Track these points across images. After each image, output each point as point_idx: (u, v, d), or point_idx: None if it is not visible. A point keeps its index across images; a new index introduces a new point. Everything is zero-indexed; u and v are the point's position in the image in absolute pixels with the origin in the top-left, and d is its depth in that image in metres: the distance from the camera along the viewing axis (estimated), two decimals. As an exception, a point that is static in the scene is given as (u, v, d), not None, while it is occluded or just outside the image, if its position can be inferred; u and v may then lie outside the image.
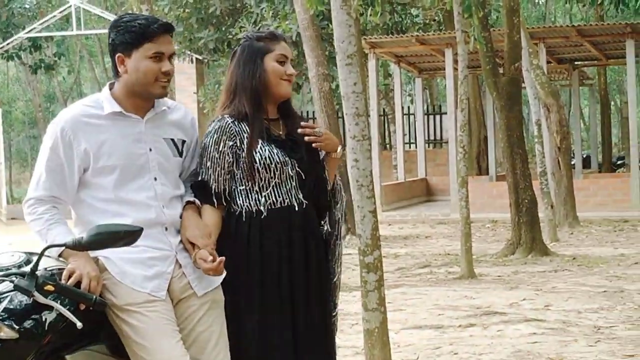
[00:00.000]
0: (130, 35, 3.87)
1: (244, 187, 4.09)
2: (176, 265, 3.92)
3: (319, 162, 4.22)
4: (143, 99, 3.95)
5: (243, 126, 4.09)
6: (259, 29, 20.27)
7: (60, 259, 3.77)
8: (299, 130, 4.12)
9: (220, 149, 4.06)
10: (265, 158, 4.05)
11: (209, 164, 4.07)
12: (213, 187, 4.06)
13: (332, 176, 4.27)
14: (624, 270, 12.21)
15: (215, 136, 4.07)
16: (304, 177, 4.14)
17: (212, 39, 22.06)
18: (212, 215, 4.07)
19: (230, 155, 4.07)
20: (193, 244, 3.94)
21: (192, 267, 3.93)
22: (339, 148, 4.22)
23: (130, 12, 19.88)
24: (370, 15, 16.00)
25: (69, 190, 3.92)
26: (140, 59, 3.88)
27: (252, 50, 4.16)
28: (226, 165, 4.07)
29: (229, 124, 4.09)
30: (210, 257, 3.87)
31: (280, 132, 4.17)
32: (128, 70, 3.89)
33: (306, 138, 4.11)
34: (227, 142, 4.07)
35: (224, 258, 3.88)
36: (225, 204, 4.09)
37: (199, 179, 4.09)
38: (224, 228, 4.09)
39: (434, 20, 24.42)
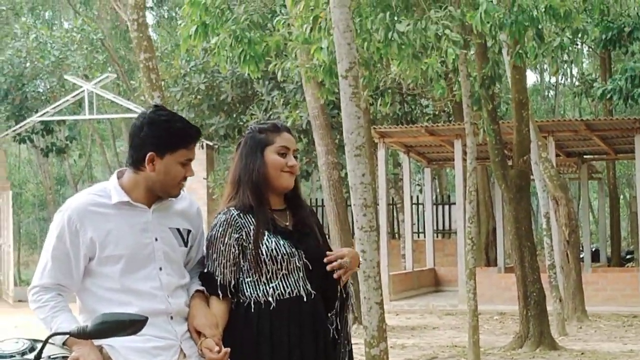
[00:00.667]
0: (169, 138, 3.88)
1: (251, 278, 4.08)
2: (180, 355, 3.90)
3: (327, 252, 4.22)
4: (155, 193, 3.96)
5: (249, 218, 4.09)
6: (269, 117, 20.47)
7: (65, 347, 3.75)
8: (327, 267, 4.10)
9: (225, 242, 4.06)
10: (272, 250, 4.05)
11: (214, 256, 4.07)
12: (219, 279, 4.05)
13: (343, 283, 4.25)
14: (633, 366, 12.09)
15: (220, 229, 4.07)
16: (311, 268, 4.13)
17: (222, 126, 22.22)
18: (218, 307, 4.05)
19: (236, 248, 4.07)
20: (199, 333, 3.92)
21: (197, 357, 3.91)
22: (360, 263, 4.24)
23: (140, 103, 20.13)
24: (380, 105, 16.14)
25: (75, 279, 3.92)
26: (172, 163, 3.90)
27: (254, 142, 4.18)
28: (232, 258, 4.07)
29: (235, 216, 4.09)
30: (217, 348, 3.85)
31: (287, 223, 4.16)
32: (156, 170, 3.90)
33: (328, 266, 4.09)
34: (232, 234, 4.07)
35: (229, 349, 3.86)
36: (231, 296, 4.08)
37: (206, 270, 4.09)
38: (233, 318, 4.07)
39: (444, 111, 24.59)
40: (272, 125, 4.22)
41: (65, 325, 3.76)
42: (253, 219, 4.09)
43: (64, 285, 3.91)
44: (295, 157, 4.19)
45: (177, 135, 3.89)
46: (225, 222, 4.08)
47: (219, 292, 4.05)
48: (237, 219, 4.08)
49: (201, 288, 4.06)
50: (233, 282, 4.07)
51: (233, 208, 4.12)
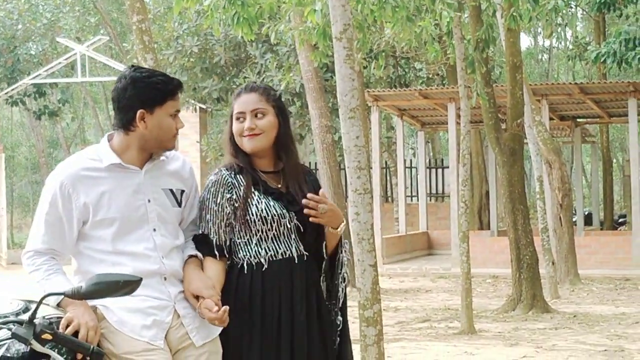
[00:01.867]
0: (155, 92, 3.89)
1: (242, 239, 4.10)
2: (174, 315, 3.92)
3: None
4: (148, 152, 3.96)
5: (239, 178, 4.11)
6: (262, 80, 20.41)
7: (59, 307, 3.76)
8: (303, 202, 4.06)
9: (218, 202, 4.08)
10: (262, 210, 4.06)
11: (208, 217, 4.09)
12: (214, 239, 4.07)
13: (331, 249, 4.23)
14: (625, 329, 12.15)
15: (212, 189, 4.09)
16: (302, 230, 4.13)
17: (216, 89, 22.17)
18: (214, 268, 4.06)
19: (229, 208, 4.08)
20: (197, 298, 3.93)
21: (191, 318, 3.93)
22: (342, 225, 4.17)
23: (135, 63, 19.99)
24: (374, 68, 16.10)
25: (68, 243, 3.93)
26: (163, 116, 3.92)
27: (230, 106, 4.25)
28: (225, 218, 4.08)
29: (225, 176, 4.11)
30: (216, 307, 3.86)
31: (279, 185, 4.16)
32: (148, 126, 3.91)
33: (305, 211, 4.05)
34: (224, 194, 4.08)
35: (227, 307, 3.87)
36: (227, 256, 4.09)
37: (200, 232, 4.09)
38: (226, 280, 4.08)
39: (437, 74, 24.56)
40: (239, 89, 4.24)
41: (59, 286, 3.78)
42: (243, 179, 4.09)
43: (57, 249, 3.92)
44: (258, 116, 4.12)
45: (162, 88, 3.91)
46: (216, 183, 4.10)
47: (216, 252, 4.06)
48: (227, 179, 4.10)
49: (194, 253, 4.06)
50: (228, 242, 4.08)
51: (224, 168, 4.15)
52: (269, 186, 4.13)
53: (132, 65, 4.10)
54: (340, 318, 4.24)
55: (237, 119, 4.14)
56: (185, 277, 3.99)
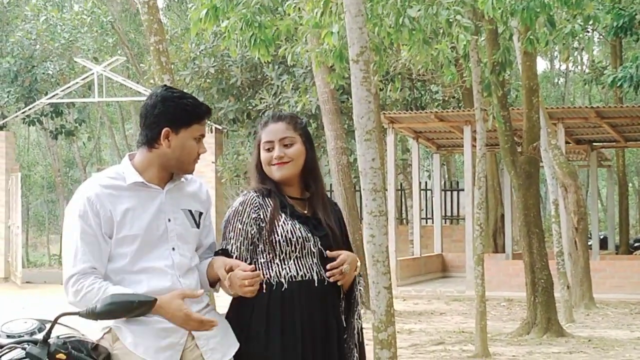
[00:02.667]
0: (183, 113, 3.92)
1: (265, 259, 4.12)
2: (189, 337, 3.91)
3: (343, 244, 4.25)
4: (168, 172, 3.98)
5: (267, 200, 4.14)
6: (278, 101, 20.47)
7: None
8: (327, 274, 4.12)
9: (243, 220, 4.11)
10: (287, 231, 4.09)
11: (231, 234, 4.12)
12: (234, 255, 4.10)
13: (347, 286, 4.24)
14: (640, 354, 12.09)
15: (239, 208, 4.14)
16: (325, 256, 4.15)
17: (232, 110, 22.22)
18: None
19: (254, 227, 4.11)
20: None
21: (206, 339, 3.93)
22: (358, 264, 4.22)
23: (150, 86, 20.09)
24: (390, 90, 16.12)
25: (104, 260, 3.89)
26: (187, 138, 3.94)
27: (258, 134, 4.28)
28: (249, 237, 4.11)
29: (254, 197, 4.15)
30: (249, 266, 3.98)
31: (306, 211, 4.21)
32: (172, 145, 3.92)
33: (328, 272, 4.12)
34: (251, 214, 4.12)
35: (259, 273, 3.98)
36: None
37: (221, 248, 4.14)
38: (244, 299, 4.08)
39: (454, 97, 24.56)
40: (265, 118, 4.27)
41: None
42: (271, 202, 4.13)
43: (99, 268, 3.85)
44: (287, 145, 4.17)
45: (191, 110, 3.94)
46: (244, 202, 4.15)
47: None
48: (255, 200, 4.14)
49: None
50: (248, 261, 4.09)
51: (252, 190, 4.19)
52: (295, 210, 4.18)
53: (164, 85, 4.15)
54: (356, 355, 4.23)
55: (266, 148, 4.18)
56: (210, 264, 4.06)
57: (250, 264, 4.09)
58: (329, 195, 4.49)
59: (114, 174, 3.98)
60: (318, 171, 4.29)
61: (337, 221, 4.28)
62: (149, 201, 3.95)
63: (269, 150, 4.16)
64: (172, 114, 3.91)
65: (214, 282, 4.11)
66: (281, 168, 4.15)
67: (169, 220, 3.98)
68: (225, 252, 4.12)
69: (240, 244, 4.11)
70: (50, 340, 3.54)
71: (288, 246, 4.09)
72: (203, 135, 4.01)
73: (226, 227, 4.14)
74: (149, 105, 3.96)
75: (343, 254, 4.15)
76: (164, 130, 3.91)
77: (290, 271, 4.10)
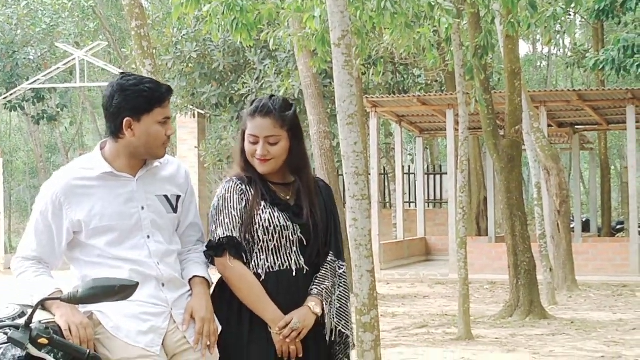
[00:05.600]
0: (142, 99, 3.88)
1: (247, 247, 4.09)
2: (170, 321, 3.92)
3: (327, 231, 4.20)
4: (140, 159, 3.96)
5: (249, 188, 4.12)
6: (261, 85, 20.42)
7: (44, 309, 3.76)
8: (276, 331, 4.03)
9: (235, 206, 4.08)
10: (265, 220, 4.06)
11: (227, 220, 4.07)
12: (239, 238, 4.06)
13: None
14: (622, 335, 12.15)
15: (227, 195, 4.10)
16: (305, 244, 4.13)
17: (214, 94, 22.16)
18: (243, 268, 4.07)
19: (243, 214, 4.08)
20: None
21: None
22: (318, 313, 4.11)
23: (132, 71, 20.03)
24: (373, 74, 16.10)
25: (56, 252, 3.95)
26: (150, 124, 3.91)
27: (242, 119, 4.21)
28: (241, 222, 4.07)
29: (237, 184, 4.12)
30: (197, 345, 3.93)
31: (288, 197, 4.16)
32: (136, 134, 3.90)
33: (281, 335, 4.01)
34: (239, 201, 4.10)
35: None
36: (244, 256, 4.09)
37: (218, 237, 4.07)
38: (223, 288, 4.09)
39: (436, 81, 24.57)
40: (253, 107, 4.17)
41: (47, 285, 3.81)
42: (252, 190, 4.11)
43: (45, 258, 3.95)
44: (271, 143, 4.10)
45: (149, 95, 3.89)
46: (230, 189, 4.12)
47: (242, 255, 4.07)
48: (240, 187, 4.12)
49: (202, 275, 4.04)
50: (250, 244, 4.09)
51: (235, 178, 4.16)
52: (276, 197, 4.14)
53: (122, 73, 4.11)
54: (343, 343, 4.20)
55: (250, 141, 4.12)
56: (193, 302, 3.98)
57: (246, 249, 4.08)
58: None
59: (85, 163, 3.99)
60: (305, 160, 4.22)
61: (325, 208, 4.21)
62: (120, 191, 3.94)
63: (253, 143, 4.11)
64: (131, 103, 3.88)
65: None
66: (263, 164, 4.11)
67: (142, 208, 3.96)
68: (231, 240, 4.06)
69: (239, 231, 4.08)
70: (32, 325, 3.54)
71: (265, 235, 4.06)
72: (168, 118, 3.97)
73: (219, 215, 4.09)
74: (107, 96, 3.93)
75: (288, 316, 4.04)
76: (125, 120, 3.89)
77: (267, 261, 4.08)
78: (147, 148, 3.93)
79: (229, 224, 4.08)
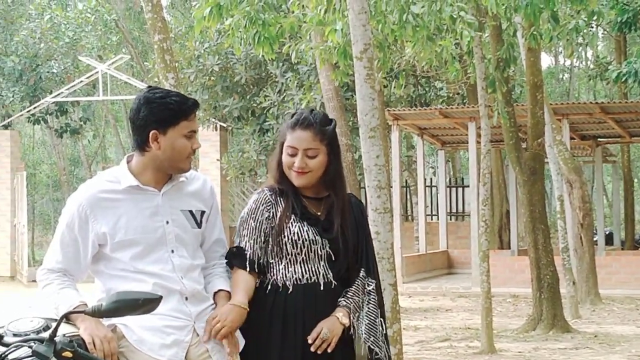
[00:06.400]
0: (168, 112, 3.89)
1: (273, 260, 4.11)
2: (194, 335, 3.93)
3: (358, 247, 4.19)
4: (165, 173, 3.97)
5: (280, 200, 4.12)
6: (283, 98, 20.44)
7: (69, 322, 3.77)
8: (312, 348, 4.03)
9: (257, 218, 4.11)
10: (294, 233, 4.07)
11: (245, 232, 4.12)
12: (248, 253, 4.09)
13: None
14: (646, 349, 12.08)
15: (253, 206, 4.14)
16: (334, 259, 4.13)
17: (236, 107, 22.19)
18: (243, 278, 4.07)
19: (267, 226, 4.11)
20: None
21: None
22: (345, 324, 4.10)
23: (154, 84, 20.08)
24: (394, 87, 16.10)
25: (82, 265, 3.97)
26: (176, 137, 3.91)
27: (280, 133, 4.21)
28: (263, 235, 4.10)
29: (267, 196, 4.14)
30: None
31: (319, 212, 4.17)
32: (162, 146, 3.91)
33: (312, 347, 4.02)
34: (264, 212, 4.12)
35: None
36: (258, 272, 4.10)
37: (235, 246, 4.12)
38: (251, 300, 4.09)
39: (458, 93, 24.52)
40: (294, 119, 4.17)
41: (71, 299, 3.82)
42: (283, 202, 4.12)
43: (70, 271, 3.96)
44: (310, 156, 4.10)
45: (175, 108, 3.90)
46: (257, 201, 4.14)
47: (247, 265, 4.09)
48: (269, 199, 4.13)
49: (225, 289, 4.06)
50: (262, 260, 4.09)
51: (267, 189, 4.18)
52: (307, 211, 4.15)
53: (149, 86, 4.13)
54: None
55: (289, 152, 4.12)
56: (215, 312, 4.00)
57: (263, 262, 4.10)
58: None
59: (111, 177, 4.00)
60: (341, 176, 4.22)
61: (356, 224, 4.21)
62: (145, 205, 3.95)
63: (291, 155, 4.11)
64: (156, 115, 3.89)
65: None
66: (300, 177, 4.11)
67: (167, 222, 3.97)
68: (240, 250, 4.11)
69: (254, 242, 4.11)
70: (57, 339, 3.55)
71: (294, 248, 4.08)
72: (194, 131, 3.97)
73: (241, 226, 4.14)
74: (134, 109, 3.94)
75: (318, 326, 4.05)
76: (151, 133, 3.90)
77: (295, 274, 4.09)
78: (172, 161, 3.94)
79: (245, 235, 4.12)
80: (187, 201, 4.05)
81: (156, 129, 3.90)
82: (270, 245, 4.11)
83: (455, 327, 14.87)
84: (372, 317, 4.19)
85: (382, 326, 4.22)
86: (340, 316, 4.08)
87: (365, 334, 4.14)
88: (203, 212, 4.08)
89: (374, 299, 4.21)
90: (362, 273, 4.19)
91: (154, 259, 3.93)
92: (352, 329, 4.13)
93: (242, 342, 4.02)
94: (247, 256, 4.09)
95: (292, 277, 4.08)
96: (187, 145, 3.95)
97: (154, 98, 3.91)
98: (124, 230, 3.91)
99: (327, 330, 4.03)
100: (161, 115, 3.89)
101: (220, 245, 4.18)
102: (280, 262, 4.10)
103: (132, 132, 3.97)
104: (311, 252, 4.09)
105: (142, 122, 3.91)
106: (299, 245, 4.08)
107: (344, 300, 4.12)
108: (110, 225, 3.90)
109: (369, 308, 4.19)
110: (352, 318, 4.12)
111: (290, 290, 4.09)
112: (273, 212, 4.11)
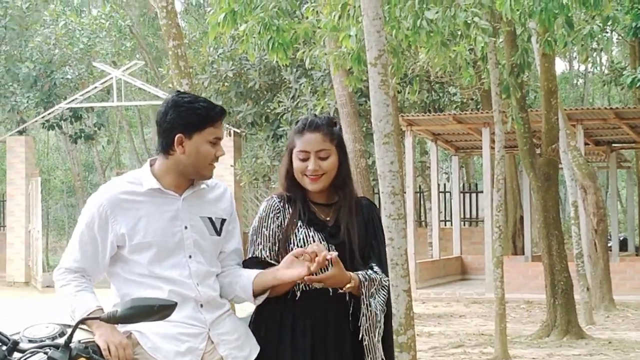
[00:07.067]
0: (195, 117, 3.90)
1: None
2: (208, 342, 3.93)
3: (366, 251, 4.16)
4: (187, 178, 3.98)
5: (287, 207, 4.13)
6: (296, 104, 20.47)
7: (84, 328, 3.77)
8: (305, 279, 3.95)
9: (269, 226, 4.12)
10: (300, 240, 4.07)
11: (259, 240, 4.12)
12: (266, 259, 4.09)
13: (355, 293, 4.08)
14: (661, 355, 12.04)
15: (263, 214, 4.14)
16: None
17: (250, 113, 22.23)
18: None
19: (278, 232, 4.11)
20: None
21: (225, 344, 3.94)
22: (348, 285, 4.00)
23: (169, 90, 20.19)
24: (408, 93, 16.10)
25: (100, 265, 3.97)
26: (201, 143, 3.92)
27: (289, 140, 4.20)
28: (276, 242, 4.10)
29: (276, 203, 4.14)
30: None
31: (328, 218, 4.16)
32: (186, 151, 3.92)
33: (306, 278, 3.94)
34: (274, 219, 4.12)
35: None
36: None
37: (249, 256, 4.13)
38: (259, 307, 4.09)
39: (472, 99, 24.50)
40: (300, 124, 4.18)
41: (88, 303, 3.82)
42: (290, 209, 4.12)
43: (88, 270, 3.96)
44: (322, 158, 4.09)
45: (203, 114, 3.92)
46: (268, 208, 4.14)
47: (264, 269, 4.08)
48: (277, 206, 4.14)
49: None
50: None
51: (275, 196, 4.18)
52: (315, 217, 4.14)
53: (178, 91, 4.15)
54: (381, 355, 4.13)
55: (300, 157, 4.11)
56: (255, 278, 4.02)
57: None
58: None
59: (133, 178, 4.01)
60: (349, 179, 4.21)
61: (365, 226, 4.18)
62: (165, 208, 3.96)
63: (303, 160, 4.10)
64: (184, 120, 3.90)
65: (259, 293, 4.06)
66: (315, 182, 4.10)
67: (186, 227, 3.98)
68: (254, 259, 4.11)
69: (269, 250, 4.11)
70: (72, 345, 3.56)
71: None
72: (219, 138, 3.98)
73: (254, 234, 4.14)
74: (161, 112, 3.96)
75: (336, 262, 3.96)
76: (177, 137, 3.91)
77: (303, 280, 4.07)
78: (195, 167, 3.95)
79: (259, 244, 4.12)
80: (208, 208, 4.06)
81: (182, 132, 3.91)
82: (279, 252, 4.11)
83: (469, 333, 14.84)
84: (379, 310, 4.10)
85: (382, 327, 4.14)
86: (352, 275, 4.01)
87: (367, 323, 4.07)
88: (223, 220, 4.08)
89: (384, 296, 4.15)
90: (375, 268, 4.14)
91: (172, 263, 3.94)
92: (362, 303, 4.06)
93: (256, 349, 4.02)
94: (265, 260, 4.09)
95: (300, 284, 4.07)
96: (211, 151, 3.96)
97: (183, 102, 3.93)
98: (142, 233, 3.92)
99: (329, 273, 3.93)
100: (188, 119, 3.91)
101: (238, 255, 4.18)
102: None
103: (158, 135, 3.99)
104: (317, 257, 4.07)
105: (169, 125, 3.93)
106: None
107: (362, 274, 4.06)
108: (130, 226, 3.91)
109: (380, 298, 4.11)
110: (362, 290, 4.04)
111: (298, 295, 4.08)
112: (282, 219, 4.11)
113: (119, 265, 3.98)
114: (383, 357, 4.14)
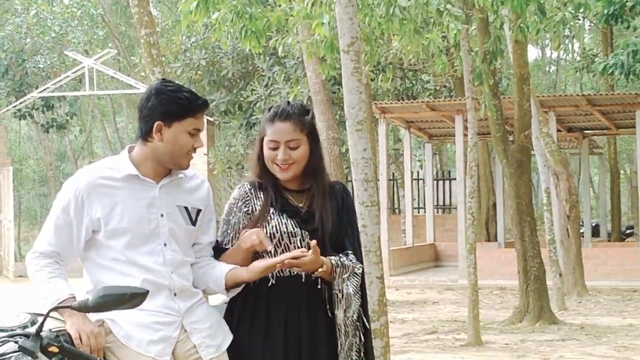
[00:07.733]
0: (176, 106, 3.89)
1: (256, 253, 4.09)
2: (181, 331, 3.92)
3: (340, 238, 4.15)
4: (165, 167, 3.97)
5: (260, 194, 4.12)
6: (270, 92, 20.45)
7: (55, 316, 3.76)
8: (286, 262, 3.95)
9: (236, 214, 4.12)
10: (272, 227, 4.06)
11: (224, 227, 4.15)
12: (229, 248, 4.10)
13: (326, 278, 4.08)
14: (632, 340, 12.12)
15: (232, 202, 4.14)
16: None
17: (223, 101, 22.20)
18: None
19: (245, 220, 4.11)
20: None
21: (198, 333, 3.94)
22: (320, 269, 3.98)
23: (141, 79, 20.09)
24: (381, 80, 16.10)
25: (75, 249, 3.94)
26: (179, 132, 3.92)
27: (261, 125, 4.20)
28: (241, 229, 4.09)
29: (247, 191, 4.14)
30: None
31: (301, 204, 4.15)
32: (164, 139, 3.91)
33: (286, 262, 3.93)
34: (242, 207, 4.11)
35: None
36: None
37: (219, 242, 4.15)
38: (237, 294, 4.10)
39: (445, 86, 24.56)
40: (272, 112, 4.16)
41: (60, 290, 3.79)
42: (262, 196, 4.11)
43: (62, 254, 3.93)
44: (292, 148, 4.08)
45: (184, 104, 3.91)
46: (237, 196, 4.14)
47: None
48: (248, 194, 4.13)
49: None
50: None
51: (247, 183, 4.18)
52: (287, 204, 4.12)
53: (162, 79, 4.13)
54: (357, 343, 4.13)
55: (270, 147, 4.10)
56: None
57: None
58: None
59: (111, 164, 4.00)
60: (321, 165, 4.20)
61: (337, 212, 4.17)
62: (142, 195, 3.95)
63: (273, 149, 4.09)
64: (164, 107, 3.89)
65: (232, 286, 4.06)
66: (284, 172, 4.09)
67: (162, 215, 3.97)
68: (217, 245, 4.12)
69: (233, 238, 4.11)
70: (43, 334, 3.55)
71: (272, 241, 4.05)
72: (199, 130, 3.97)
73: (223, 220, 4.15)
74: (143, 98, 3.95)
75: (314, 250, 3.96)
76: (156, 124, 3.90)
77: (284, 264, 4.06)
78: (172, 155, 3.94)
79: (224, 230, 4.14)
80: (184, 197, 4.05)
81: (162, 120, 3.90)
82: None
83: (442, 319, 14.90)
84: (353, 289, 4.10)
85: (358, 312, 4.12)
86: (325, 259, 4.01)
87: (344, 299, 4.06)
88: (199, 211, 4.07)
89: (358, 282, 4.13)
90: (350, 256, 4.14)
91: (147, 250, 3.93)
92: (334, 288, 4.05)
93: (229, 338, 4.02)
94: (220, 247, 4.12)
95: (279, 267, 4.05)
96: (189, 141, 3.95)
97: (166, 90, 3.93)
98: (118, 218, 3.90)
99: (307, 256, 3.93)
100: (169, 107, 3.90)
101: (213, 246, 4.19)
102: (262, 256, 4.08)
103: (138, 121, 3.97)
104: (290, 244, 4.06)
105: (149, 112, 3.92)
106: (277, 238, 4.06)
107: (334, 259, 4.06)
108: (106, 211, 3.90)
109: (352, 281, 4.09)
110: (334, 274, 4.04)
111: (273, 282, 4.07)
112: (252, 207, 4.11)
113: (93, 250, 3.96)
114: (362, 337, 4.14)
